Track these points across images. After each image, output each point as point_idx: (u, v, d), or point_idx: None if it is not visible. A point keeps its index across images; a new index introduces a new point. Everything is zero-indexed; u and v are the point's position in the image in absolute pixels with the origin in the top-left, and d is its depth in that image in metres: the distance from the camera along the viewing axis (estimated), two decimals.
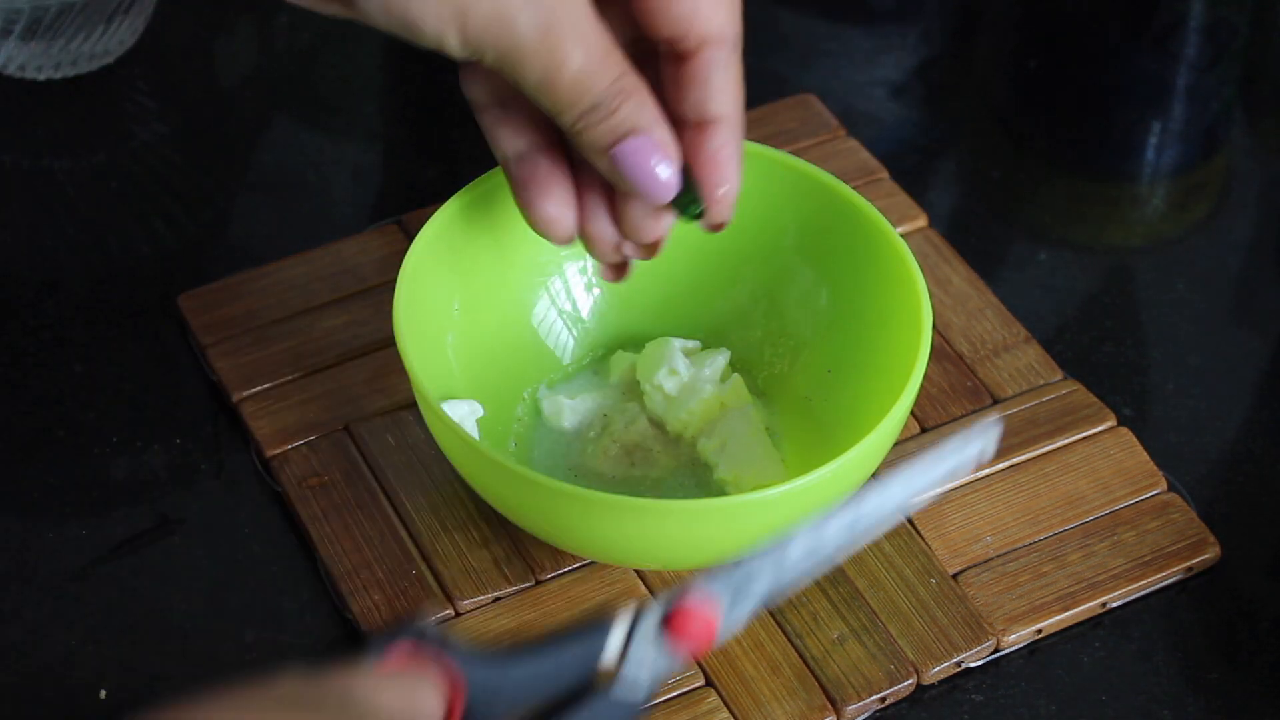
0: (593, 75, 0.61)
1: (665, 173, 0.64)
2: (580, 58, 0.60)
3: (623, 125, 0.62)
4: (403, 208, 0.87)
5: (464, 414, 0.73)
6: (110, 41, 0.92)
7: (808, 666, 0.71)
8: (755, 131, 0.88)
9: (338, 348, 0.81)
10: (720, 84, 0.64)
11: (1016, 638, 0.73)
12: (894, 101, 0.95)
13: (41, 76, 0.93)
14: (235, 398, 0.79)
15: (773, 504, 0.67)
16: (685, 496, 0.75)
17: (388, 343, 0.80)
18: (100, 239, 0.87)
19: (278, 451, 0.77)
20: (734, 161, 0.65)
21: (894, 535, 0.75)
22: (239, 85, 0.95)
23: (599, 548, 0.71)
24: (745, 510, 0.67)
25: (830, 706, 0.70)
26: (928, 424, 0.79)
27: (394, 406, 0.79)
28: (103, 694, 0.71)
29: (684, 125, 0.65)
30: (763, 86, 0.93)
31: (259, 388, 0.79)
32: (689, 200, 0.65)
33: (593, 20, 0.61)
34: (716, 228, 0.67)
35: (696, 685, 0.71)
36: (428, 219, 0.74)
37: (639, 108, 0.62)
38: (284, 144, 0.92)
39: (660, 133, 0.63)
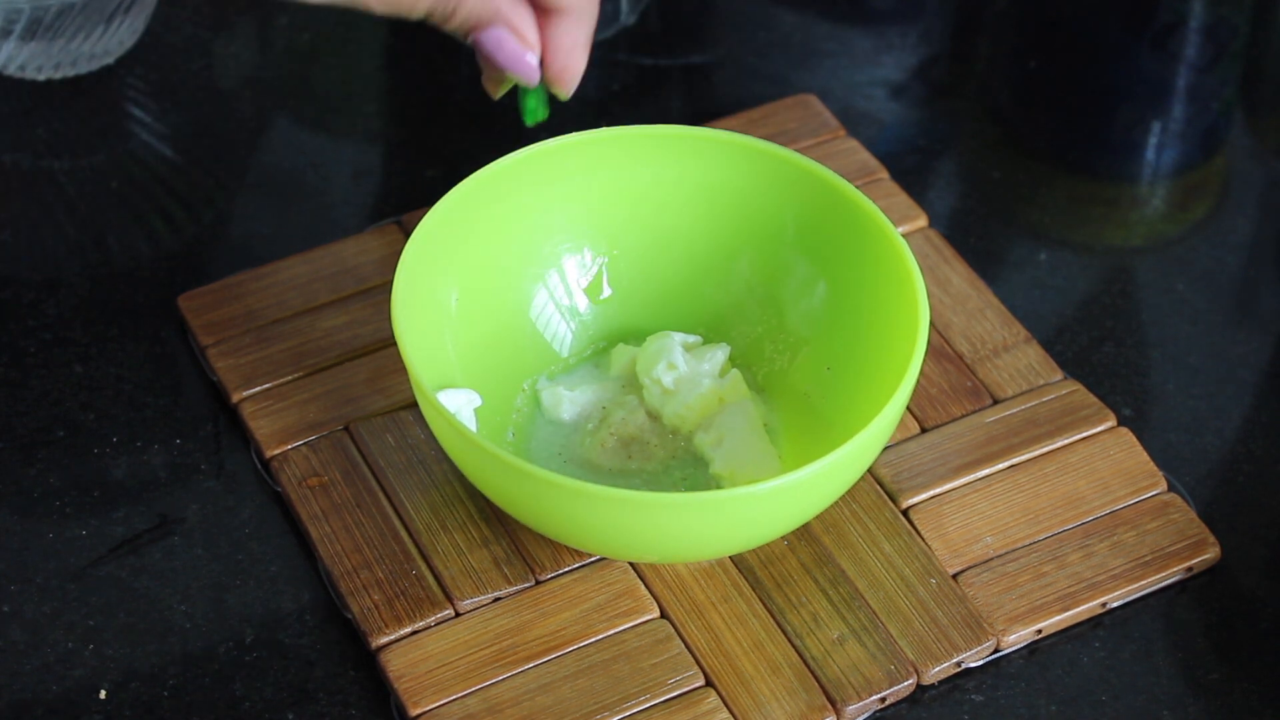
0: None
1: (523, 53, 0.66)
2: None
3: (469, 20, 0.64)
4: (403, 208, 0.87)
5: (461, 403, 0.73)
6: (110, 41, 0.92)
7: (808, 666, 0.71)
8: (756, 131, 0.88)
9: (338, 348, 0.81)
10: None
11: (1016, 638, 0.73)
12: (894, 101, 0.95)
13: (41, 76, 0.93)
14: (235, 398, 0.79)
15: (764, 498, 0.67)
16: (680, 490, 0.75)
17: (388, 343, 0.80)
18: (100, 239, 0.87)
19: (278, 451, 0.77)
20: (578, 49, 0.66)
21: (894, 535, 0.75)
22: (239, 85, 0.95)
23: (593, 540, 0.71)
24: (737, 504, 0.67)
25: (830, 706, 0.70)
26: (928, 424, 0.79)
27: (394, 406, 0.78)
28: (103, 694, 0.71)
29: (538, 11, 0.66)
30: (763, 86, 0.93)
31: (259, 388, 0.79)
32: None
33: None
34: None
35: (696, 685, 0.71)
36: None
37: (481, 4, 0.63)
38: (284, 144, 0.92)
39: (515, 20, 0.65)
